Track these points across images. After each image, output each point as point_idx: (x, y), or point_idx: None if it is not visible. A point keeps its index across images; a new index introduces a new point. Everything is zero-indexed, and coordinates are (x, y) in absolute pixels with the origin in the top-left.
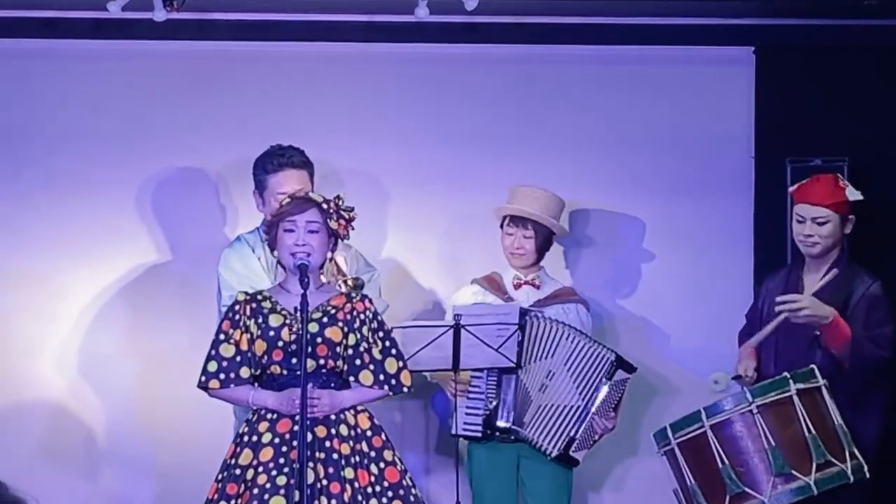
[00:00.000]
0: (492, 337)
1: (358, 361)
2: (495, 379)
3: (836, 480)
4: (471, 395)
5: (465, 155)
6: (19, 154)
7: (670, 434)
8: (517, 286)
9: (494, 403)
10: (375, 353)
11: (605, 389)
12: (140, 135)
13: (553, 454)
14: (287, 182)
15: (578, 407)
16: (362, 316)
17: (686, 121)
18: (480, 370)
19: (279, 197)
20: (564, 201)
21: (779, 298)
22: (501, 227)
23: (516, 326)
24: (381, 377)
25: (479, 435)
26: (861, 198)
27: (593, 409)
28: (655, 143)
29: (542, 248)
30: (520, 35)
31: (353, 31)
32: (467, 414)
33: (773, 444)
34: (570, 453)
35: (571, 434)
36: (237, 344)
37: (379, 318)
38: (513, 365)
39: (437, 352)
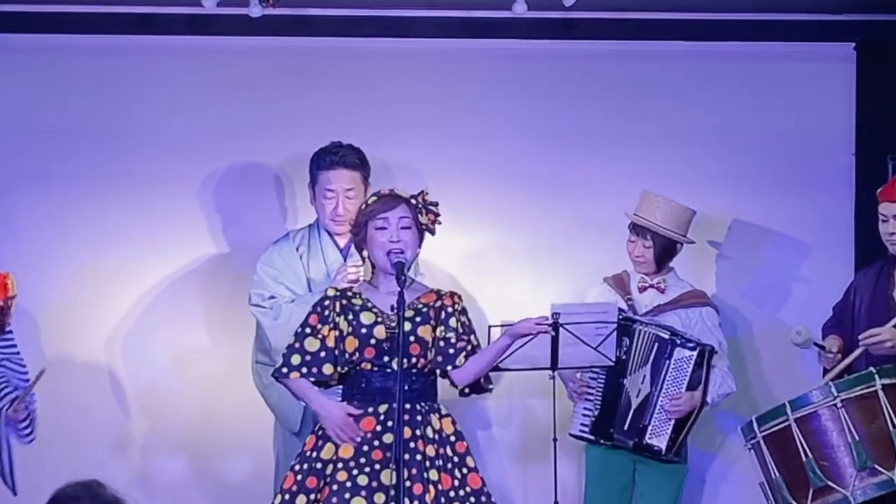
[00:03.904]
0: (590, 336)
1: (452, 350)
2: (603, 385)
3: None
4: (588, 397)
5: (563, 152)
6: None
7: (756, 427)
8: (642, 289)
9: (599, 411)
10: (473, 339)
11: (667, 369)
12: (237, 131)
13: (631, 446)
14: (336, 180)
15: (650, 394)
16: (449, 309)
17: (786, 117)
18: (595, 372)
19: (327, 194)
20: (694, 211)
21: (861, 337)
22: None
23: (615, 325)
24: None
25: (592, 438)
26: None
27: (657, 392)
28: (755, 140)
29: (660, 258)
30: (618, 31)
31: (450, 27)
32: (583, 415)
33: (857, 438)
34: (646, 441)
35: (644, 423)
36: (324, 339)
37: (467, 314)
38: (611, 364)
39: (535, 350)
